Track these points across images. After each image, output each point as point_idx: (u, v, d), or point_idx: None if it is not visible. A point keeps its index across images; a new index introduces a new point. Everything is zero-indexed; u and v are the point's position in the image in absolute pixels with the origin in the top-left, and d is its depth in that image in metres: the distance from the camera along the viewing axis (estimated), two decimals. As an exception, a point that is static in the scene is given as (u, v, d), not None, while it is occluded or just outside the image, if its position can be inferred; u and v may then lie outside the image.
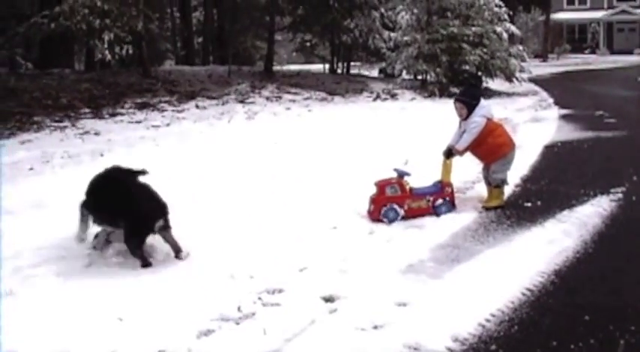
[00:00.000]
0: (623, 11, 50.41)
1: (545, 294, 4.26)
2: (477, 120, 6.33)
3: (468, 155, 6.60)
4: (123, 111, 14.46)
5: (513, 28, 20.61)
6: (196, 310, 4.06)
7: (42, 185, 7.46)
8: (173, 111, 14.81)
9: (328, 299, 4.23)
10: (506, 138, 6.59)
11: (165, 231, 5.01)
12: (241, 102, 16.62)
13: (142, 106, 15.08)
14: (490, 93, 19.43)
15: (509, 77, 19.72)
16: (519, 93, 19.80)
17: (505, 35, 19.47)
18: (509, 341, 3.64)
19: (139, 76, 18.52)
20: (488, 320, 3.88)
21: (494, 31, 19.16)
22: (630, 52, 45.87)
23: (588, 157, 9.11)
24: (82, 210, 5.09)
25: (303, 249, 5.24)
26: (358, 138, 10.50)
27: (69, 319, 3.95)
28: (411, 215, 6.12)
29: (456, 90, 16.91)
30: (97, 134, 11.77)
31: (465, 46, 18.53)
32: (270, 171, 7.99)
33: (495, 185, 6.47)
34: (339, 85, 21.42)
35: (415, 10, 19.81)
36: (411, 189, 6.25)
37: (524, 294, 4.24)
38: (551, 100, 17.24)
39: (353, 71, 28.01)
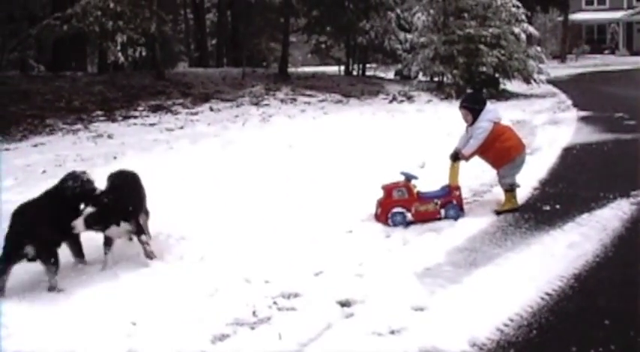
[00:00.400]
0: (644, 11, 49.84)
1: (565, 299, 4.20)
2: (483, 125, 6.29)
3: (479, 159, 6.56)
4: (136, 113, 14.54)
5: (531, 29, 20.46)
6: (211, 314, 4.04)
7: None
8: (187, 113, 14.87)
9: (344, 304, 4.20)
10: (514, 142, 6.51)
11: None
12: (256, 104, 16.64)
13: (155, 109, 15.15)
14: (508, 95, 19.34)
15: (527, 79, 19.58)
16: (537, 95, 19.66)
17: (523, 36, 19.33)
18: (527, 347, 3.59)
19: (152, 79, 18.62)
20: (506, 325, 3.83)
21: (512, 32, 19.03)
22: (651, 53, 45.37)
23: (607, 160, 9.00)
24: None
25: (319, 252, 5.21)
26: (374, 141, 10.46)
27: (82, 323, 3.95)
28: (419, 219, 6.08)
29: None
30: (110, 137, 11.84)
31: (482, 47, 18.41)
32: (285, 174, 7.98)
33: (505, 189, 6.43)
34: (355, 87, 21.38)
35: (431, 11, 19.73)
36: (418, 193, 6.21)
37: (543, 299, 4.18)
38: (569, 102, 17.08)
39: (368, 73, 27.95)
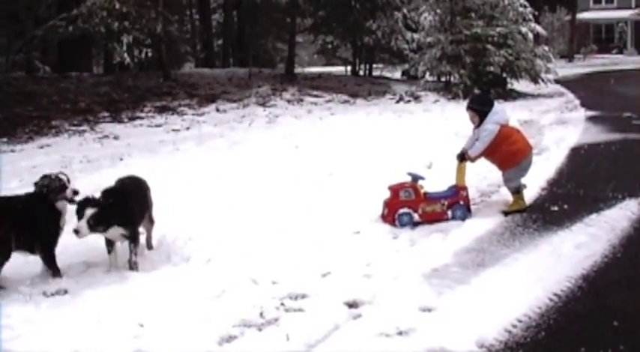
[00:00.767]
0: (652, 10, 49.59)
1: (573, 299, 4.18)
2: (489, 127, 6.25)
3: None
4: (142, 114, 14.56)
5: (539, 28, 20.41)
6: (218, 316, 4.03)
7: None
8: (193, 114, 14.89)
9: (352, 305, 4.19)
10: (522, 145, 6.47)
11: None
12: (262, 105, 16.64)
13: (161, 110, 15.17)
14: (515, 95, 19.27)
15: (534, 78, 19.50)
16: (545, 94, 19.60)
17: (530, 35, 19.29)
18: (535, 348, 3.57)
19: (158, 79, 18.64)
20: (514, 326, 3.81)
21: (519, 32, 18.98)
22: (659, 53, 45.17)
23: (616, 160, 8.96)
24: None
25: (326, 253, 5.21)
26: (381, 141, 10.44)
27: (89, 324, 3.94)
28: (426, 219, 6.06)
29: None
30: (116, 138, 11.86)
31: (489, 46, 18.35)
32: (292, 175, 7.97)
33: (512, 191, 6.41)
34: (362, 88, 21.37)
35: (438, 11, 19.71)
36: (425, 193, 6.19)
37: (551, 299, 4.17)
38: (577, 102, 17.01)
39: (375, 73, 27.93)
